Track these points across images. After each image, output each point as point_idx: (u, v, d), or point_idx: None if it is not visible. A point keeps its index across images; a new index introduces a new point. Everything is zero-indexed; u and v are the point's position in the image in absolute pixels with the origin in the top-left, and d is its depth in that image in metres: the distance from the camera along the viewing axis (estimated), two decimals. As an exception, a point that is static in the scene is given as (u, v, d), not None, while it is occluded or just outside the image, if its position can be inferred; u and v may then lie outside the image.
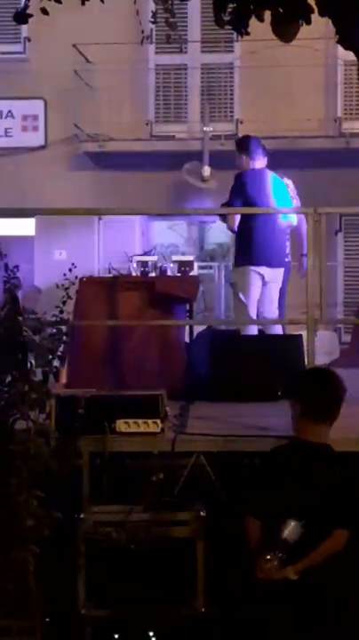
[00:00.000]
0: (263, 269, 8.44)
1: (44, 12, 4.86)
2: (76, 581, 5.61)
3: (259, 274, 8.43)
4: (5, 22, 14.89)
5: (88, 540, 5.60)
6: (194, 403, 7.39)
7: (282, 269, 8.58)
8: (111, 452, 5.78)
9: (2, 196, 14.71)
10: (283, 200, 8.61)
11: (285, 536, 5.03)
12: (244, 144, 8.82)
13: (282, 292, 8.89)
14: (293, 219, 8.78)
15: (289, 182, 9.02)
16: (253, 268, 8.41)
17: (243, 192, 8.43)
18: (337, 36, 4.18)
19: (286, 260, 8.78)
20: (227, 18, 4.21)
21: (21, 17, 4.84)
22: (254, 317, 8.45)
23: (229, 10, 4.17)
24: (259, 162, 8.71)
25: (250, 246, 8.39)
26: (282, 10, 4.03)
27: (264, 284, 8.48)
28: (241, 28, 4.15)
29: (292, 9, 4.00)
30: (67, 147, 15.74)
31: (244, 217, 8.40)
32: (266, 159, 8.79)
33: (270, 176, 8.64)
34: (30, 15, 4.90)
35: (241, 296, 8.39)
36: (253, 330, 8.43)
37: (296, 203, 8.94)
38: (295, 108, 14.88)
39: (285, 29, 4.03)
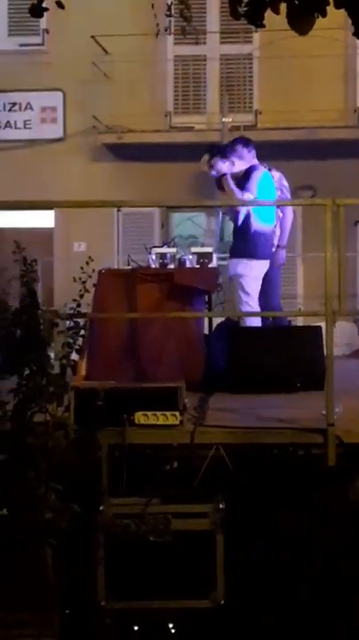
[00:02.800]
0: (264, 262, 8.55)
1: (60, 5, 4.85)
2: (96, 573, 5.64)
3: (262, 266, 8.53)
4: (24, 15, 14.86)
5: (107, 533, 5.62)
6: (213, 394, 7.39)
7: (268, 261, 8.69)
8: (130, 445, 5.79)
9: (21, 187, 14.73)
10: (269, 195, 8.64)
11: None
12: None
13: (275, 283, 8.99)
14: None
15: (275, 174, 9.02)
16: (259, 260, 8.49)
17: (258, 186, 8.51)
18: (353, 28, 4.16)
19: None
20: (242, 10, 4.20)
21: (37, 10, 4.83)
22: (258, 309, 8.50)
23: (245, 2, 4.16)
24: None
25: (255, 239, 8.44)
26: (297, 2, 4.02)
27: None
28: (256, 21, 4.14)
29: (308, 1, 3.99)
30: (86, 138, 15.73)
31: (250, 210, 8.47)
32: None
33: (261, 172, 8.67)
34: (46, 9, 4.89)
35: (247, 289, 8.41)
36: (257, 322, 8.49)
37: (279, 194, 8.95)
38: (314, 98, 14.82)
39: (301, 22, 4.02)
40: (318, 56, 13.99)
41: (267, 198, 8.57)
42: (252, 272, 8.45)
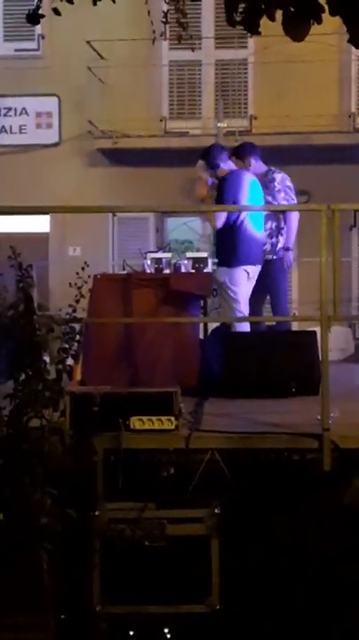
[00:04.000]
0: (249, 268, 8.57)
1: (57, 12, 4.87)
2: (91, 578, 5.64)
3: (246, 272, 8.56)
4: (19, 20, 14.91)
5: (102, 537, 5.63)
6: (208, 399, 7.40)
7: (259, 267, 8.71)
8: (126, 450, 5.80)
9: (16, 192, 14.73)
10: (257, 200, 8.68)
11: None
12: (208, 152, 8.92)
13: (282, 288, 9.04)
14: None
15: (277, 176, 9.06)
16: (243, 267, 8.54)
17: (234, 192, 8.55)
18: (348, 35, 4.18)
19: (269, 257, 8.95)
20: (238, 17, 4.21)
21: (34, 17, 4.85)
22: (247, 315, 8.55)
23: (240, 9, 4.17)
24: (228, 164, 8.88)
25: (238, 246, 8.47)
26: (293, 9, 4.03)
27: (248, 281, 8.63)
28: (252, 28, 4.15)
29: (303, 8, 4.00)
30: (81, 143, 15.74)
31: (232, 216, 8.50)
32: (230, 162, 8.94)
33: (248, 177, 8.71)
34: (42, 16, 4.91)
35: (232, 295, 8.45)
36: (246, 327, 8.54)
37: (283, 196, 9.01)
38: (309, 103, 14.83)
39: (296, 28, 4.03)
40: (313, 61, 14.02)
41: (254, 203, 8.64)
42: (239, 278, 8.48)
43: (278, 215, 9.05)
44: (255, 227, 8.61)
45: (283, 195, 9.06)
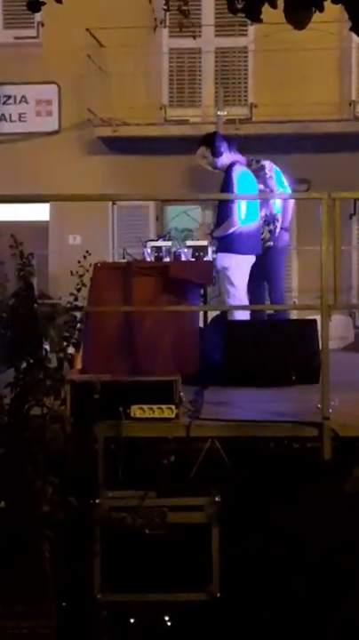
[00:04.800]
0: (249, 256, 8.74)
1: (58, 0, 4.86)
2: (92, 566, 5.65)
3: (246, 259, 8.72)
4: (18, 7, 14.88)
5: (103, 525, 5.64)
6: (208, 388, 7.40)
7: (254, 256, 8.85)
8: (126, 438, 5.80)
9: (16, 181, 14.71)
10: (250, 190, 8.80)
11: None
12: (212, 139, 8.98)
13: (280, 274, 9.12)
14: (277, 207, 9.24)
15: (265, 163, 9.18)
16: (245, 256, 8.68)
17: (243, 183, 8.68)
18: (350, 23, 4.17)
19: (269, 244, 9.13)
20: (240, 5, 4.20)
21: (34, 5, 4.84)
22: (247, 303, 8.68)
23: (242, -3, 4.17)
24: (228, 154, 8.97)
25: (248, 235, 8.59)
26: (295, -3, 4.03)
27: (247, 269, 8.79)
28: (254, 16, 4.14)
29: (305, -4, 4.00)
30: (81, 131, 15.72)
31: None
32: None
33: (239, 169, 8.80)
34: (43, 3, 4.90)
35: (231, 280, 8.55)
36: (246, 315, 8.68)
37: (274, 183, 9.15)
38: (309, 91, 14.81)
39: (298, 16, 4.02)
40: (313, 49, 14.00)
41: (251, 192, 8.74)
42: (238, 265, 8.60)
43: (270, 202, 9.13)
44: (254, 216, 8.73)
45: (273, 181, 9.17)
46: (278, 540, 5.84)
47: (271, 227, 9.13)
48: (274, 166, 9.32)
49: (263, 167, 9.22)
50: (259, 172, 9.14)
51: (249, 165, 9.14)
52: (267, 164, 9.29)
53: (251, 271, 8.81)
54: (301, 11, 4.05)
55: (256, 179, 9.00)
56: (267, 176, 9.17)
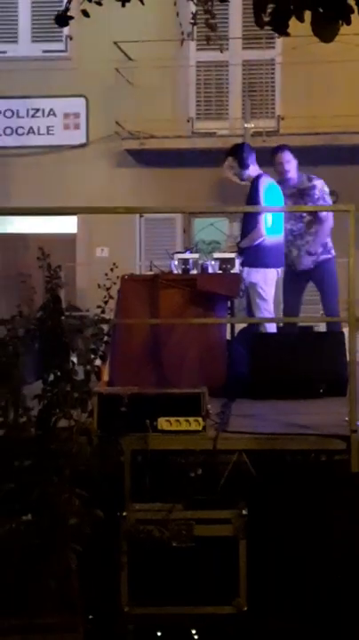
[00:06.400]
0: (279, 269, 8.91)
1: (85, 14, 4.88)
2: (119, 579, 5.65)
3: (277, 273, 8.90)
4: (47, 21, 14.95)
5: (130, 538, 5.63)
6: (235, 400, 7.40)
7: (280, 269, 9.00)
8: (153, 450, 5.80)
9: (44, 193, 14.79)
10: (277, 203, 8.85)
11: None
12: (240, 151, 9.03)
13: (333, 287, 9.15)
14: None
15: (317, 183, 9.15)
16: (272, 269, 8.81)
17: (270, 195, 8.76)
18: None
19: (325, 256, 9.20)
20: (267, 18, 4.20)
21: (62, 19, 4.86)
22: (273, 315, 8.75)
23: (269, 10, 4.16)
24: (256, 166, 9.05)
25: (272, 248, 8.64)
26: (321, 10, 4.02)
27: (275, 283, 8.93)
28: (281, 29, 4.14)
29: (332, 9, 3.99)
30: (109, 144, 15.76)
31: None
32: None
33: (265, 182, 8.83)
34: (71, 17, 4.92)
35: (262, 295, 8.58)
36: (273, 328, 8.80)
37: (322, 203, 9.17)
38: (336, 103, 14.79)
39: (325, 29, 4.02)
40: (340, 61, 13.97)
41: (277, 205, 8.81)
42: (267, 279, 8.67)
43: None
44: (279, 230, 8.78)
45: (321, 202, 9.13)
46: (305, 553, 5.82)
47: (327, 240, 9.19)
48: (325, 187, 9.26)
49: (314, 187, 9.19)
50: (309, 191, 9.13)
51: (301, 183, 9.17)
52: (319, 183, 9.23)
53: (290, 285, 8.89)
54: (328, 24, 4.05)
55: (305, 197, 9.03)
56: (316, 197, 9.13)
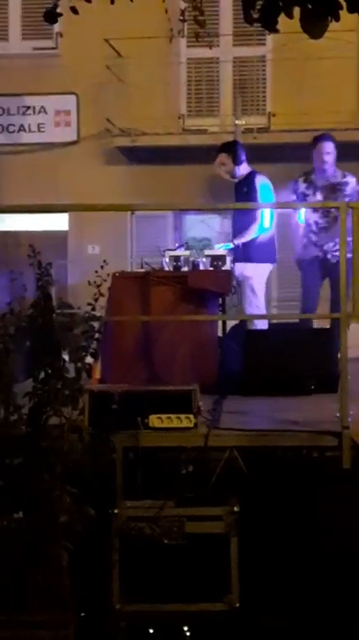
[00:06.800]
0: (268, 266, 8.98)
1: (74, 11, 4.88)
2: (110, 576, 5.65)
3: (270, 269, 9.00)
4: (37, 18, 14.91)
5: (121, 535, 5.63)
6: (227, 397, 7.40)
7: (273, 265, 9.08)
8: (144, 448, 5.80)
9: (35, 191, 14.75)
10: (269, 199, 8.88)
11: None
12: (234, 147, 9.06)
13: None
14: None
15: (351, 180, 9.09)
16: (270, 265, 8.91)
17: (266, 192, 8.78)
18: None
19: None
20: (256, 15, 4.20)
21: (51, 16, 4.86)
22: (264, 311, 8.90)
23: (258, 7, 4.16)
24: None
25: (267, 244, 8.66)
26: (310, 6, 4.02)
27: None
28: (270, 25, 4.14)
29: (321, 5, 3.99)
30: (100, 141, 15.73)
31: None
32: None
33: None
34: (60, 14, 4.92)
35: (255, 290, 8.60)
36: (265, 324, 8.80)
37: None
38: (327, 100, 14.77)
39: (314, 26, 4.01)
40: (331, 58, 13.96)
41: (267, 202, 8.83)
42: (260, 274, 8.70)
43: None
44: (270, 226, 8.81)
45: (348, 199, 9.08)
46: (297, 550, 5.82)
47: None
48: (357, 186, 9.20)
49: (347, 184, 9.12)
50: (341, 187, 9.05)
51: (333, 176, 9.09)
52: (353, 181, 9.11)
53: (312, 279, 8.85)
54: (317, 20, 4.04)
55: (334, 192, 8.96)
56: (346, 193, 9.03)
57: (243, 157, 8.99)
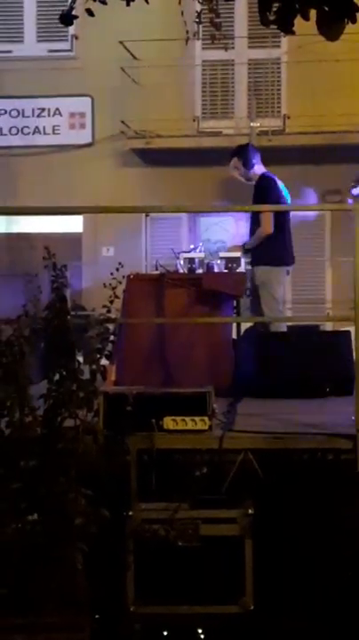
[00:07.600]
0: (286, 268, 8.90)
1: (90, 13, 4.88)
2: (125, 578, 5.64)
3: (287, 272, 8.90)
4: (52, 21, 14.94)
5: (136, 538, 5.63)
6: (241, 399, 7.39)
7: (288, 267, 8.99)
8: (159, 450, 5.79)
9: (50, 193, 14.79)
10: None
11: None
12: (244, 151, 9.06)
13: None
14: None
15: None
16: (285, 267, 8.83)
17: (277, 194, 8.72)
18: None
19: None
20: (272, 17, 4.19)
21: (67, 18, 4.86)
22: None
23: (274, 9, 4.15)
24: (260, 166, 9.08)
25: (281, 247, 8.63)
26: (327, 8, 4.01)
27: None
28: (286, 27, 4.13)
29: (337, 7, 3.98)
30: (115, 144, 15.76)
31: (280, 218, 8.61)
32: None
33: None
34: (76, 16, 4.92)
35: (273, 294, 8.59)
36: (284, 327, 8.80)
37: None
38: (342, 102, 14.75)
39: (330, 28, 4.01)
40: (347, 60, 13.95)
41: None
42: (277, 277, 8.66)
43: None
44: (288, 228, 8.77)
45: None
46: (312, 553, 5.81)
47: None
48: None
49: None
50: None
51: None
52: None
53: None
54: (334, 22, 4.04)
55: None
56: None
57: (255, 160, 8.96)
